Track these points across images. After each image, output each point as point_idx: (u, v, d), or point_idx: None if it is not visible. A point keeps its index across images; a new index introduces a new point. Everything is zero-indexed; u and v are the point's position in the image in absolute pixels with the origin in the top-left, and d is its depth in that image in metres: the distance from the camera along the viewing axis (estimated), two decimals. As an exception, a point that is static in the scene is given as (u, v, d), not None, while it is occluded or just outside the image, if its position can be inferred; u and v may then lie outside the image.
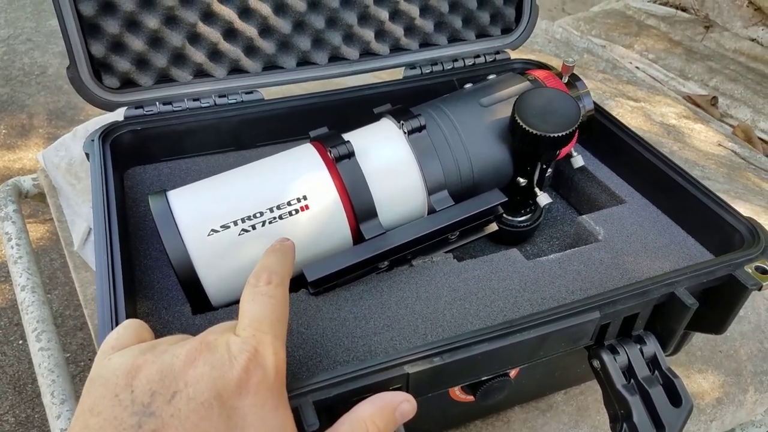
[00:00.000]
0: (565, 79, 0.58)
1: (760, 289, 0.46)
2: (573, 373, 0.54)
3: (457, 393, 0.47)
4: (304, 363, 0.43)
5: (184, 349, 0.31)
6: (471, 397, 0.46)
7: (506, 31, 0.75)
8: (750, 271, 0.47)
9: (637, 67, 1.35)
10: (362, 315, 0.47)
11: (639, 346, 0.45)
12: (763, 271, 0.47)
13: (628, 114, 1.05)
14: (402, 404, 0.35)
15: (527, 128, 0.51)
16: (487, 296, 0.49)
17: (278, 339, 0.33)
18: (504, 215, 0.62)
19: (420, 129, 0.53)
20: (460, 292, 0.50)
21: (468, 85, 0.60)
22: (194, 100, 0.63)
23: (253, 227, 0.46)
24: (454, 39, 0.74)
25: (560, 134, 0.51)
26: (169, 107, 0.62)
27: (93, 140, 0.57)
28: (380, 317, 0.47)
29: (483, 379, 0.44)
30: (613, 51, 1.39)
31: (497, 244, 0.64)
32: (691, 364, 0.63)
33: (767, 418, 0.75)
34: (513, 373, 0.47)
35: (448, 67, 0.73)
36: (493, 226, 0.57)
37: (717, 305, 0.48)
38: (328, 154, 0.50)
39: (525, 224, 0.62)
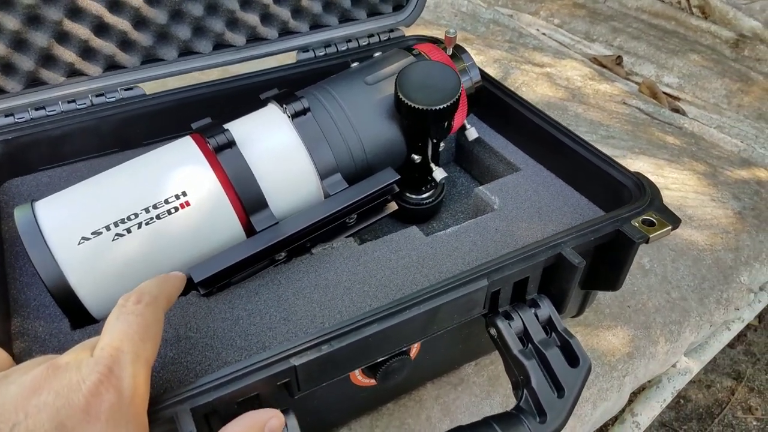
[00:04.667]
0: (449, 51, 0.58)
1: (647, 242, 0.47)
2: (479, 344, 0.54)
3: (358, 377, 0.46)
4: (192, 369, 0.41)
5: (29, 377, 0.29)
6: (373, 380, 0.45)
7: (398, 8, 0.74)
8: (636, 224, 0.47)
9: (543, 34, 1.36)
10: (257, 311, 0.46)
11: (533, 310, 0.45)
12: (650, 224, 0.47)
13: (533, 81, 1.06)
14: (270, 421, 0.33)
15: (410, 103, 0.50)
16: (386, 276, 0.49)
17: (140, 359, 0.31)
18: (407, 194, 0.61)
19: (304, 112, 0.51)
20: (359, 276, 0.49)
21: (354, 64, 0.59)
22: (69, 102, 0.59)
23: (128, 230, 0.44)
24: (345, 19, 0.72)
25: (443, 106, 0.50)
26: (42, 112, 0.59)
27: (-44, 154, 0.53)
28: (276, 311, 0.46)
29: (379, 360, 0.43)
30: (520, 19, 1.40)
31: (405, 223, 0.63)
32: (600, 322, 0.64)
33: (691, 364, 0.78)
34: (414, 350, 0.47)
35: (342, 49, 0.71)
36: (393, 206, 0.56)
37: (609, 262, 0.49)
38: (207, 145, 0.48)
39: (428, 201, 0.62)
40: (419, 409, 0.53)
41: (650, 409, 0.74)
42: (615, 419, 0.74)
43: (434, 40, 0.68)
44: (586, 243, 0.46)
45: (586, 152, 0.54)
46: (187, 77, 0.66)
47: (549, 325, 0.45)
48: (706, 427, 1.18)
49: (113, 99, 0.61)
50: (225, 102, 0.64)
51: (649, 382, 0.73)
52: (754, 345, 1.33)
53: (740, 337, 1.33)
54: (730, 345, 1.30)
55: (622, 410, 0.71)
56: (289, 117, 0.51)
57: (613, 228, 0.47)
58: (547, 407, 0.41)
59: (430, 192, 0.61)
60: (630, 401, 0.70)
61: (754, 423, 1.19)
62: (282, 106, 0.51)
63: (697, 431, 1.17)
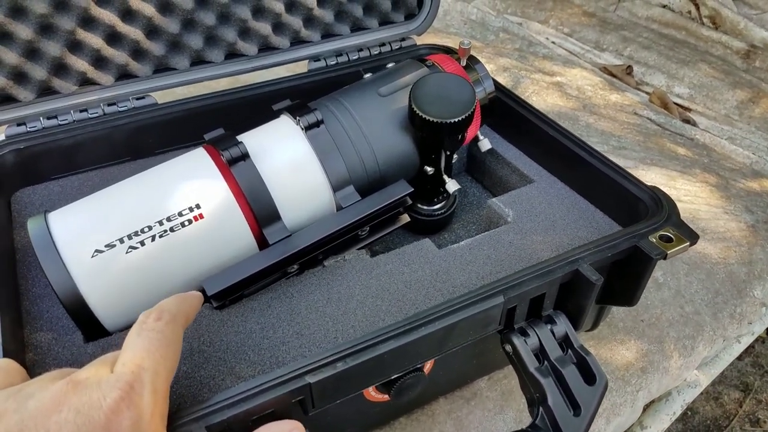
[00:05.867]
0: (463, 63, 0.57)
1: (665, 258, 0.46)
2: (493, 358, 0.53)
3: (372, 393, 0.45)
4: (205, 384, 0.41)
5: (49, 392, 0.28)
6: (387, 396, 0.45)
7: (409, 16, 0.74)
8: (654, 240, 0.47)
9: (553, 42, 1.36)
10: (270, 325, 0.46)
11: (549, 327, 0.44)
12: (668, 239, 0.47)
13: (543, 90, 1.06)
14: None
15: (424, 116, 0.50)
16: (399, 290, 0.48)
17: (160, 376, 0.31)
18: (419, 205, 0.61)
19: (318, 124, 0.51)
20: (372, 289, 0.48)
21: (367, 75, 0.59)
22: (81, 111, 0.59)
23: (142, 243, 0.44)
24: (357, 28, 0.72)
25: (457, 119, 0.50)
26: (54, 121, 0.58)
27: (-32, 164, 0.53)
28: (289, 325, 0.46)
29: (394, 377, 0.42)
30: (529, 28, 1.40)
31: (416, 234, 0.63)
32: (613, 336, 0.63)
33: (701, 377, 0.77)
34: (427, 366, 0.46)
35: (354, 58, 0.71)
36: (405, 218, 0.55)
37: (625, 277, 0.48)
38: (221, 157, 0.48)
39: (440, 212, 0.61)
40: (432, 424, 0.52)
41: (659, 422, 0.74)
42: (625, 432, 0.73)
43: (447, 51, 0.68)
44: (603, 259, 0.45)
45: (602, 165, 0.54)
46: (199, 86, 0.65)
47: (565, 342, 0.45)
48: (713, 440, 1.17)
49: (125, 108, 0.60)
50: (236, 111, 0.64)
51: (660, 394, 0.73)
52: (762, 357, 1.32)
53: (748, 349, 1.32)
54: (738, 357, 1.29)
55: (633, 423, 0.70)
56: (302, 129, 0.50)
57: (630, 244, 0.46)
58: (564, 426, 0.41)
59: (442, 203, 0.61)
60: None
61: (763, 436, 1.18)
62: (295, 118, 0.51)
63: (705, 444, 1.16)
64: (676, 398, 0.75)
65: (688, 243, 0.47)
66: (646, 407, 0.73)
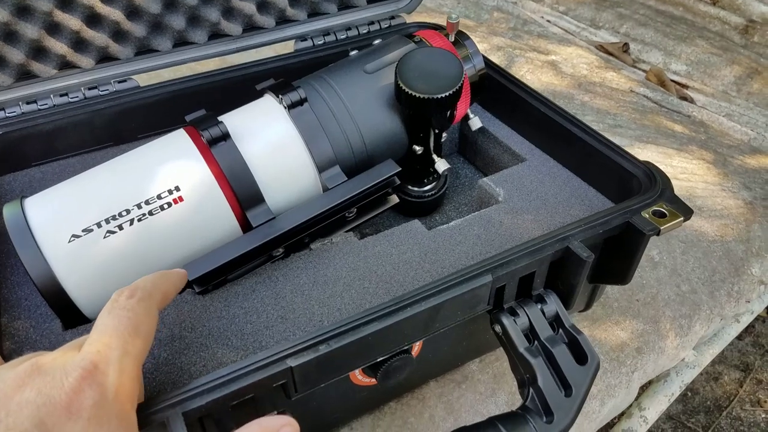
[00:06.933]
0: (452, 38, 0.56)
1: (658, 234, 0.45)
2: (483, 340, 0.52)
3: (358, 377, 0.44)
4: (186, 370, 0.40)
5: (13, 374, 0.28)
6: (374, 380, 0.44)
7: (399, -7, 0.72)
8: (647, 216, 0.45)
9: (548, 21, 1.34)
10: (254, 309, 0.45)
11: (540, 306, 0.44)
12: (661, 215, 0.46)
13: (538, 69, 1.04)
14: (283, 428, 0.31)
15: (411, 92, 0.48)
16: (387, 272, 0.47)
17: (128, 355, 0.30)
18: (409, 186, 0.60)
19: (301, 102, 0.49)
20: (359, 272, 0.47)
21: (353, 52, 0.57)
22: (61, 95, 0.58)
23: (120, 227, 0.43)
24: (344, 6, 0.70)
25: (445, 95, 0.48)
26: (33, 106, 0.57)
27: (-56, 150, 0.52)
28: (274, 309, 0.45)
29: (380, 359, 0.41)
30: (524, 6, 1.38)
31: (406, 217, 0.62)
32: (608, 317, 0.62)
33: (700, 357, 0.76)
34: (416, 348, 0.45)
35: (342, 37, 0.70)
36: (394, 199, 0.54)
37: (618, 255, 0.47)
38: (201, 138, 0.46)
39: (430, 193, 0.60)
40: (422, 408, 0.52)
41: (658, 403, 0.73)
42: (622, 414, 0.73)
43: (436, 27, 0.66)
44: (595, 236, 0.44)
45: (595, 141, 0.53)
46: (183, 68, 0.64)
47: (556, 322, 0.44)
48: (713, 420, 1.16)
49: (106, 92, 0.59)
50: (221, 93, 0.62)
51: (657, 375, 0.72)
52: (763, 336, 1.31)
53: (748, 328, 1.31)
54: (738, 336, 1.28)
55: (629, 404, 0.69)
56: (285, 108, 0.49)
57: (622, 220, 0.45)
58: (554, 407, 0.40)
59: (433, 184, 0.60)
60: (637, 395, 0.69)
61: (763, 416, 1.18)
62: (278, 97, 0.50)
63: (704, 424, 1.15)
64: (675, 379, 0.74)
65: (682, 218, 0.45)
66: (644, 388, 0.72)
